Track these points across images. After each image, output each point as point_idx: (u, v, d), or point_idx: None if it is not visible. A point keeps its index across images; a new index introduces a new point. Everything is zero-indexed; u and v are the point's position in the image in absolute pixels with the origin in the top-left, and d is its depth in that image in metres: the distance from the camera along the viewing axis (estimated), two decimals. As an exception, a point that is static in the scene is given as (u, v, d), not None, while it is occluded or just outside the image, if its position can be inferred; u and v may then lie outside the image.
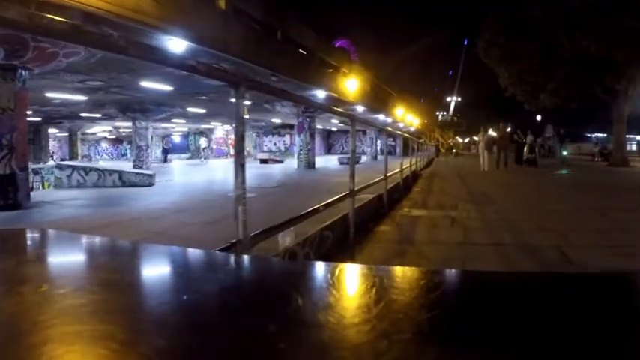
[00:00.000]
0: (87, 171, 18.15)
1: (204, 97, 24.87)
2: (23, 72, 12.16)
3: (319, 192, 10.74)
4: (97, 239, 1.29)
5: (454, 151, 47.08)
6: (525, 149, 25.90)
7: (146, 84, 19.90)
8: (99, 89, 21.75)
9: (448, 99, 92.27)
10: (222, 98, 24.59)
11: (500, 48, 27.05)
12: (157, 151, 58.83)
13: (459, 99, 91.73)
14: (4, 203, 11.28)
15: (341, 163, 32.22)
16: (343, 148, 59.78)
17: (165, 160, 43.30)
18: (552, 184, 15.55)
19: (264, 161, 36.66)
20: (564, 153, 28.72)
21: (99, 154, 64.79)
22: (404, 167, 13.21)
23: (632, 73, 23.68)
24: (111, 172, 18.14)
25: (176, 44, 13.04)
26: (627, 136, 28.89)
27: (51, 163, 19.74)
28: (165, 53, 13.18)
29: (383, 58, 36.77)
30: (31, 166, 18.03)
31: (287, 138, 55.34)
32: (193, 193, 14.68)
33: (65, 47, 11.90)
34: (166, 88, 20.62)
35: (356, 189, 6.10)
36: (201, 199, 12.35)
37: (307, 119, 27.15)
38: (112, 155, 65.16)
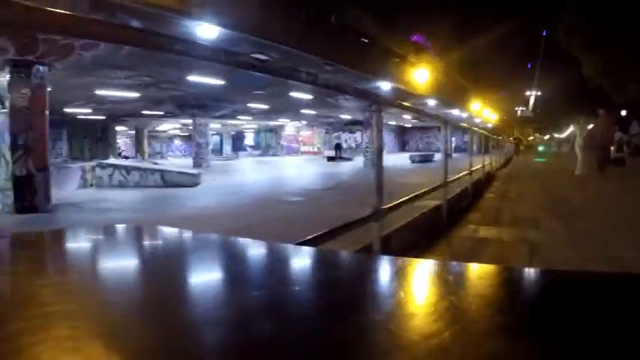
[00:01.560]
0: (128, 170, 17.26)
1: (261, 92, 23.30)
2: (40, 68, 11.26)
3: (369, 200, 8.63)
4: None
5: (540, 148, 42.66)
6: (612, 147, 22.81)
7: (193, 78, 18.50)
8: (149, 85, 20.69)
9: (527, 93, 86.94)
10: (281, 93, 23.07)
11: (584, 34, 23.86)
12: (227, 148, 59.15)
13: (539, 93, 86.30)
14: (20, 206, 10.75)
15: (412, 162, 30.08)
16: (418, 145, 57.36)
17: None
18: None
19: (331, 159, 35.16)
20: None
21: (171, 151, 65.53)
22: (473, 169, 11.05)
23: None
24: (153, 171, 17.09)
25: (206, 30, 11.39)
26: None
27: (91, 163, 18.79)
28: (224, 51, 11.64)
29: (458, 51, 33.83)
30: (71, 165, 17.20)
31: (358, 135, 53.17)
32: (236, 195, 13.26)
33: (78, 39, 10.55)
34: (216, 82, 19.21)
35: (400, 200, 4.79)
36: (237, 205, 11.07)
37: (375, 115, 25.02)
38: (184, 152, 65.02)
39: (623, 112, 36.09)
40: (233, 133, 62.54)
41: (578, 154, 16.57)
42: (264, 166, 30.96)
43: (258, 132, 58.93)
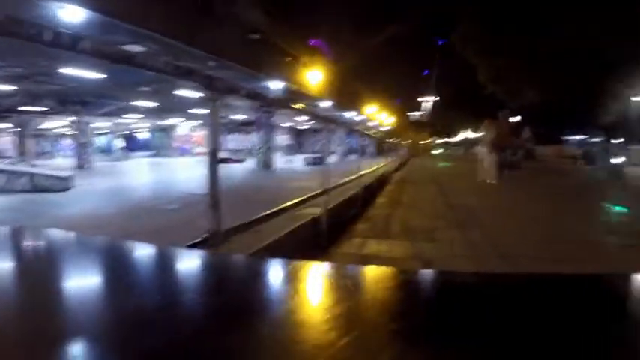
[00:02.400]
0: None
1: (146, 89, 22.15)
2: None
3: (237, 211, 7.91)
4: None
5: (432, 152, 43.22)
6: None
7: (68, 71, 17.13)
8: (22, 77, 19.08)
9: (423, 99, 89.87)
10: (167, 90, 22.05)
11: (478, 42, 24.58)
12: (116, 149, 56.56)
13: (436, 99, 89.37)
14: None
15: (307, 164, 29.69)
16: (313, 147, 57.33)
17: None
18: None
19: (222, 161, 34.04)
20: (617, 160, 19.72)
21: (62, 151, 61.86)
22: (363, 172, 10.68)
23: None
24: (21, 174, 15.49)
25: (70, 13, 10.36)
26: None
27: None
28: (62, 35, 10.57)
29: (354, 54, 33.91)
30: None
31: (253, 136, 52.30)
32: (105, 202, 12.16)
33: None
34: (95, 76, 17.92)
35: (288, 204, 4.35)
36: (98, 214, 9.83)
37: (265, 115, 24.35)
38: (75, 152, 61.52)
39: (517, 118, 37.62)
40: (126, 132, 60.23)
41: (483, 159, 14.55)
42: (153, 168, 29.59)
43: (151, 132, 56.71)
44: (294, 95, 22.15)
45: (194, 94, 23.02)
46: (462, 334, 0.55)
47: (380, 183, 13.16)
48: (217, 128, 3.39)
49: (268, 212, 3.87)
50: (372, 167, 12.15)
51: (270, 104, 20.43)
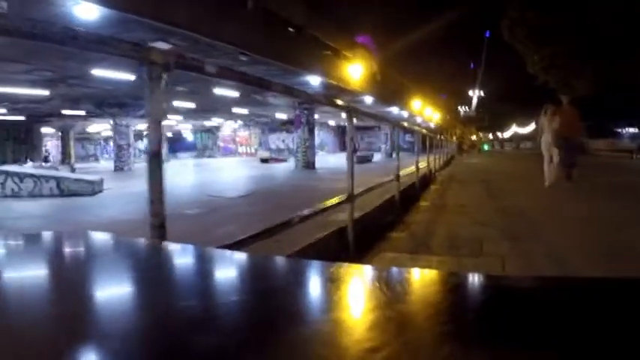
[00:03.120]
0: (21, 177, 15.03)
1: (183, 89, 21.40)
2: None
3: (282, 208, 6.83)
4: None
5: (480, 147, 40.65)
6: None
7: (99, 73, 16.51)
8: (55, 81, 18.69)
9: (470, 93, 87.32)
10: (205, 89, 21.30)
11: (529, 27, 22.86)
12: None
13: (482, 93, 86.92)
14: None
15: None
16: (359, 146, 56.19)
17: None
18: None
19: (264, 160, 33.54)
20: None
21: (106, 153, 62.57)
22: (405, 171, 9.49)
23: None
24: (48, 178, 15.01)
25: (85, 10, 9.56)
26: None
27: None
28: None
29: (398, 46, 32.57)
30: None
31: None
32: (133, 206, 11.34)
33: None
34: (127, 77, 17.23)
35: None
36: (123, 220, 9.08)
37: (305, 112, 23.26)
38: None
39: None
40: (170, 134, 60.64)
41: (545, 155, 11.63)
42: (191, 169, 29.05)
43: (195, 132, 56.76)
44: (334, 91, 21.02)
45: (231, 93, 22.23)
46: (515, 338, 0.54)
47: (424, 182, 11.97)
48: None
49: (282, 221, 3.27)
50: (416, 165, 10.89)
51: (308, 101, 19.31)
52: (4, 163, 28.84)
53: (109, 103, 24.95)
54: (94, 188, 14.66)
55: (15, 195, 14.79)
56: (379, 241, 5.67)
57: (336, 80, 20.06)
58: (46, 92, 21.03)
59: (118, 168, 26.60)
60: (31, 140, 39.46)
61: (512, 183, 13.19)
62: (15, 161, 30.38)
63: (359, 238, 4.94)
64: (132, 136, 27.91)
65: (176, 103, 26.93)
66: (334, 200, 4.53)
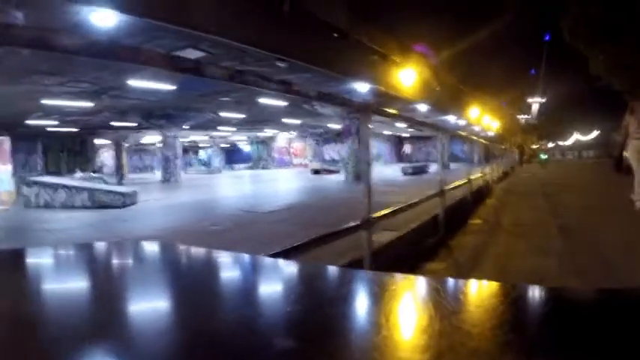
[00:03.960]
0: (55, 188, 14.88)
1: (227, 99, 20.75)
2: None
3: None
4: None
5: (544, 157, 37.55)
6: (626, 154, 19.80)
7: (135, 83, 15.95)
8: (96, 92, 18.29)
9: (530, 100, 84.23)
10: (250, 99, 20.56)
11: (593, 24, 20.94)
12: (215, 161, 57.40)
13: (543, 100, 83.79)
14: None
15: (404, 174, 27.33)
16: (416, 155, 54.61)
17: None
18: None
19: (316, 172, 32.64)
20: None
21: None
22: (457, 184, 8.32)
23: None
24: (80, 190, 14.64)
25: (101, 17, 8.85)
26: None
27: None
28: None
29: (453, 51, 30.97)
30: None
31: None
32: (162, 220, 11.06)
33: None
34: (166, 87, 16.70)
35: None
36: (144, 235, 8.29)
37: (355, 121, 22.05)
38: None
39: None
40: (227, 145, 61.01)
41: (636, 166, 8.90)
42: (239, 181, 28.51)
43: (250, 143, 56.67)
44: (383, 98, 19.85)
45: (277, 102, 21.43)
46: (577, 350, 0.54)
47: (478, 196, 10.70)
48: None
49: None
50: (471, 176, 9.95)
51: (356, 109, 18.20)
52: (57, 174, 29.26)
53: (157, 115, 24.60)
54: (124, 201, 14.28)
55: (47, 206, 14.88)
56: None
57: (385, 87, 18.85)
58: (89, 104, 20.71)
59: (165, 179, 26.26)
60: (85, 152, 40.02)
61: (578, 198, 11.67)
62: (68, 172, 30.61)
63: (391, 268, 3.62)
64: (179, 147, 27.53)
65: (224, 114, 26.38)
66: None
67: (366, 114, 4.23)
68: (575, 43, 23.14)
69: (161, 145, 27.53)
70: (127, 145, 48.60)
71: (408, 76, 20.12)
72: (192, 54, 12.21)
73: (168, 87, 16.71)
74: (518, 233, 6.94)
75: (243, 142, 57.70)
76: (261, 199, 15.05)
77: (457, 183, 8.66)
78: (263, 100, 21.00)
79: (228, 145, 61.62)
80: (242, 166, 57.41)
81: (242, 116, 27.32)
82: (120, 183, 25.68)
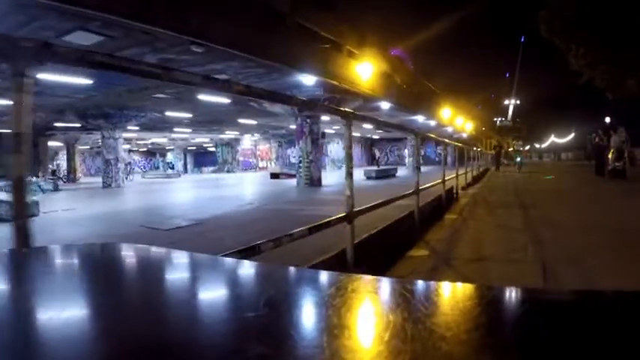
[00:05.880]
0: None
1: (163, 96, 18.53)
2: None
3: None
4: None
5: (519, 160, 35.70)
6: (610, 155, 18.24)
7: (45, 77, 13.91)
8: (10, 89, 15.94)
9: (506, 102, 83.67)
10: (188, 95, 18.40)
11: (570, 14, 19.14)
12: (178, 164, 55.39)
13: (518, 102, 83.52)
14: None
15: (368, 177, 25.27)
16: (388, 159, 52.79)
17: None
18: None
19: (275, 176, 30.59)
20: None
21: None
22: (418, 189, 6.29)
23: None
24: None
25: None
26: None
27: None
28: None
29: (433, 62, 29.28)
30: None
31: (330, 147, 47.96)
32: (44, 240, 8.34)
33: None
34: (82, 82, 14.79)
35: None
36: None
37: (307, 121, 19.92)
38: (144, 169, 60.94)
39: (607, 119, 30.11)
40: (194, 148, 59.24)
41: None
42: (186, 187, 26.23)
43: (215, 146, 54.47)
44: (338, 94, 17.80)
45: (218, 99, 19.34)
46: (556, 351, 0.53)
47: (435, 210, 8.68)
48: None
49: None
50: (437, 180, 9.14)
51: (299, 107, 16.00)
52: (5, 177, 26.81)
53: (92, 114, 22.26)
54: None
55: None
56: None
57: (340, 81, 16.71)
58: (6, 101, 18.44)
59: (106, 185, 23.93)
60: (36, 154, 37.35)
61: (569, 211, 9.56)
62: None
63: None
64: (121, 149, 25.18)
65: (170, 114, 24.14)
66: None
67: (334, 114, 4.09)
68: (552, 38, 21.48)
69: (103, 146, 25.00)
70: (87, 147, 46.29)
71: (366, 69, 18.03)
72: (84, 38, 10.03)
73: (83, 81, 14.64)
74: (482, 269, 4.86)
75: (209, 144, 55.69)
76: (183, 210, 13.00)
77: (406, 193, 6.51)
78: (203, 97, 18.86)
79: (195, 148, 59.95)
80: (210, 169, 56.21)
81: (189, 115, 25.10)
82: (56, 189, 23.22)
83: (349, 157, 4.01)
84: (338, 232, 4.02)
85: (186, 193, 20.96)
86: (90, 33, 9.90)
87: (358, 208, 4.24)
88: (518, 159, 32.23)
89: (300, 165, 20.39)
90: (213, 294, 0.89)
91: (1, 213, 11.79)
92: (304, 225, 3.43)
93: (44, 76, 13.86)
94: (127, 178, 35.20)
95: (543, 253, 5.35)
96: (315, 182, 19.96)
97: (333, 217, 3.77)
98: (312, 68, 14.89)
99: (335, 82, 16.43)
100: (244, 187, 23.52)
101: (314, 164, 20.15)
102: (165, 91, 17.39)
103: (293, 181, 23.58)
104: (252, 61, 12.58)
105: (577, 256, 5.04)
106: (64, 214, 12.95)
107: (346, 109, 4.12)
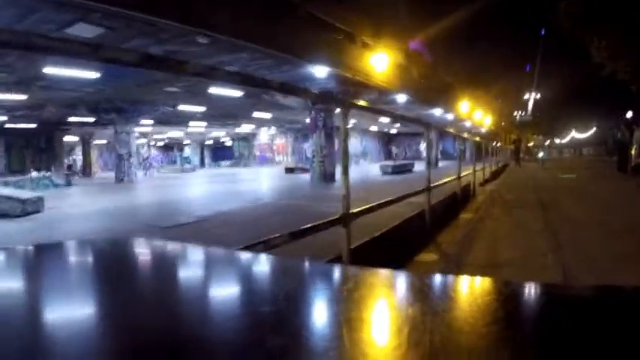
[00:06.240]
0: None
1: (175, 89, 18.26)
2: None
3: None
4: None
5: (541, 155, 34.74)
6: (633, 151, 17.52)
7: (53, 71, 13.79)
8: (22, 83, 15.98)
9: (526, 97, 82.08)
10: (200, 89, 18.09)
11: (593, 5, 18.37)
12: (194, 159, 55.33)
13: (538, 96, 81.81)
14: None
15: (384, 173, 24.87)
16: (406, 154, 52.02)
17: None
18: None
19: (289, 170, 30.31)
20: None
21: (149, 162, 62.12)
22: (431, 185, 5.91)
23: None
24: None
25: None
26: None
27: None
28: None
29: (451, 53, 28.64)
30: None
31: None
32: (42, 238, 8.17)
33: None
34: (89, 75, 14.54)
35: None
36: None
37: (320, 115, 19.45)
38: (161, 163, 61.04)
39: (630, 114, 29.21)
40: (211, 142, 59.18)
41: None
42: (200, 182, 25.95)
43: (232, 140, 54.31)
44: (352, 87, 17.34)
45: (230, 92, 19.01)
46: (574, 345, 0.54)
47: (449, 208, 8.25)
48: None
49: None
50: (452, 177, 8.85)
51: (313, 100, 15.56)
52: (22, 172, 26.89)
53: (104, 108, 22.08)
54: (24, 208, 11.89)
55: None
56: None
57: (354, 74, 16.23)
58: (22, 96, 18.29)
59: (118, 179, 23.79)
60: (52, 149, 37.34)
61: (590, 209, 9.04)
62: (35, 171, 28.24)
63: None
64: (134, 143, 25.01)
65: (183, 108, 23.87)
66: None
67: (330, 103, 4.25)
68: (573, 30, 20.67)
69: (115, 141, 24.86)
70: (106, 141, 46.34)
71: (381, 60, 17.49)
72: (86, 30, 9.73)
73: (91, 75, 14.44)
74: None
75: (226, 139, 55.57)
76: (190, 207, 12.74)
77: (438, 182, 6.26)
78: (213, 91, 18.53)
79: (212, 143, 59.89)
80: (228, 163, 55.98)
81: (202, 109, 24.79)
82: (69, 184, 23.07)
83: (346, 152, 3.63)
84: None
85: (200, 188, 20.82)
86: (92, 25, 9.60)
87: (357, 209, 3.86)
88: (541, 154, 31.52)
89: (314, 160, 19.97)
90: (229, 287, 0.88)
91: (6, 209, 11.77)
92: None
93: (49, 70, 13.69)
94: (146, 174, 35.24)
95: (566, 260, 4.88)
96: (328, 177, 19.52)
97: (325, 220, 3.36)
98: (324, 59, 14.43)
99: (348, 75, 15.95)
100: (256, 182, 23.25)
101: (328, 159, 19.71)
102: (175, 84, 17.11)
103: (307, 176, 23.29)
104: (261, 52, 12.18)
105: (604, 268, 4.52)
106: (65, 210, 12.81)
107: (342, 97, 3.82)
